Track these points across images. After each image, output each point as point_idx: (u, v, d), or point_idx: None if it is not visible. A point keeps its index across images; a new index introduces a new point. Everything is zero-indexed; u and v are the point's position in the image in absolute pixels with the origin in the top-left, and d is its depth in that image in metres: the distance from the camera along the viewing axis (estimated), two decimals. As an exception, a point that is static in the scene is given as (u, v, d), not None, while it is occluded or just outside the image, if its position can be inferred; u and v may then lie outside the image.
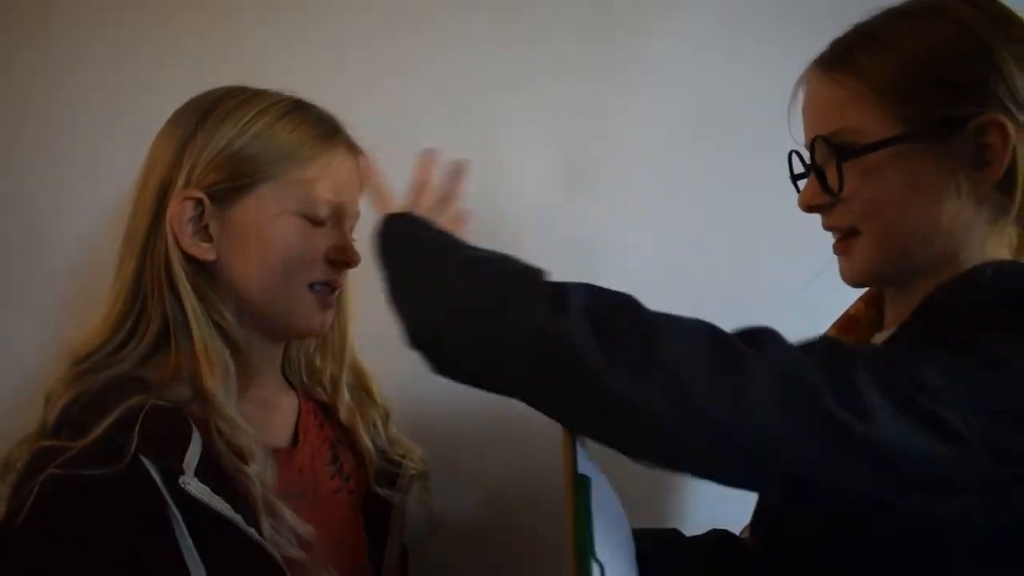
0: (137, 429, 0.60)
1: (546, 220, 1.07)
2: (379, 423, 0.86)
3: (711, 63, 1.09)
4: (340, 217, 0.76)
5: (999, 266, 0.60)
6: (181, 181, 0.68)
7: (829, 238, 0.69)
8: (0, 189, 0.99)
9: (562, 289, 0.55)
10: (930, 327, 0.62)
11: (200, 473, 0.61)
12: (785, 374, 0.51)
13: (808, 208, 0.68)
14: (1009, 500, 0.51)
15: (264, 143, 0.70)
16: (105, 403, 0.63)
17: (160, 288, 0.68)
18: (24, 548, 0.57)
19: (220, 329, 0.70)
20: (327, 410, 0.85)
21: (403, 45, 1.05)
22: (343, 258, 0.75)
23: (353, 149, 0.77)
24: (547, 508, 0.91)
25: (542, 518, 0.94)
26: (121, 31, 1.01)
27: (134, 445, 0.59)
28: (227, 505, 0.61)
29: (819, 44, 0.67)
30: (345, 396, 0.84)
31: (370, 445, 0.83)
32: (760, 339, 0.53)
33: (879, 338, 0.68)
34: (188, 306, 0.68)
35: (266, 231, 0.71)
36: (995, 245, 0.62)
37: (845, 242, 0.66)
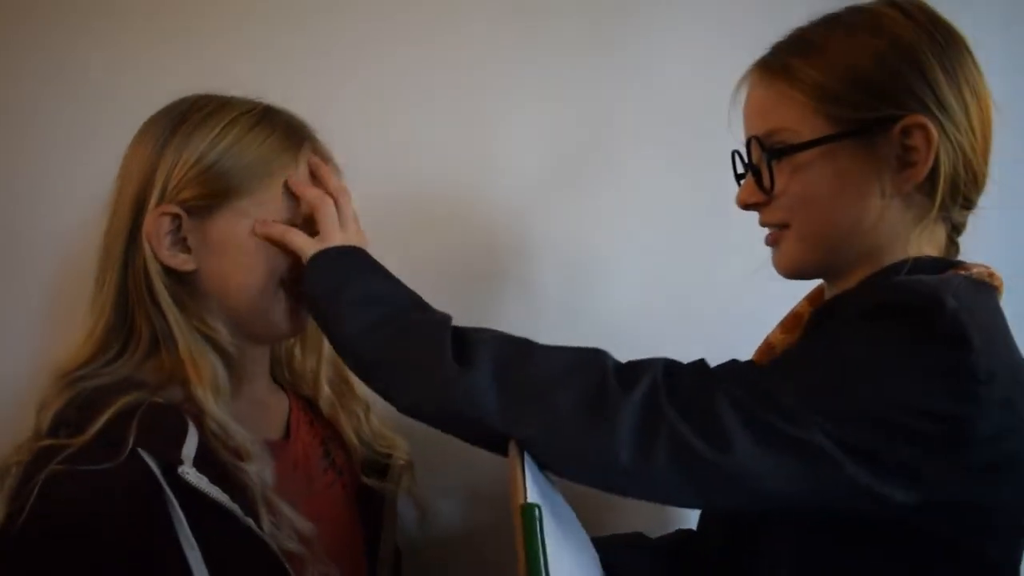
0: (135, 423, 0.61)
1: (541, 220, 1.07)
2: (361, 415, 0.87)
3: (708, 63, 1.05)
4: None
5: (916, 262, 0.62)
6: (155, 196, 0.69)
7: None
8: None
9: (468, 344, 0.61)
10: (821, 320, 0.66)
11: (198, 465, 0.62)
12: (645, 408, 0.56)
13: (745, 206, 0.70)
14: (890, 484, 0.54)
15: (235, 158, 0.70)
16: (101, 401, 0.64)
17: (143, 301, 0.69)
18: (28, 551, 0.58)
19: (206, 337, 0.70)
20: (315, 408, 0.86)
21: (395, 44, 1.05)
22: None
23: (324, 156, 0.78)
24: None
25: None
26: (100, 36, 1.00)
27: (132, 439, 0.60)
28: (225, 495, 0.62)
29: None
30: (325, 390, 0.85)
31: (354, 438, 0.85)
32: (636, 376, 0.58)
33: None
34: (171, 318, 0.69)
35: (245, 241, 0.71)
36: (921, 243, 0.64)
37: (775, 235, 0.70)
